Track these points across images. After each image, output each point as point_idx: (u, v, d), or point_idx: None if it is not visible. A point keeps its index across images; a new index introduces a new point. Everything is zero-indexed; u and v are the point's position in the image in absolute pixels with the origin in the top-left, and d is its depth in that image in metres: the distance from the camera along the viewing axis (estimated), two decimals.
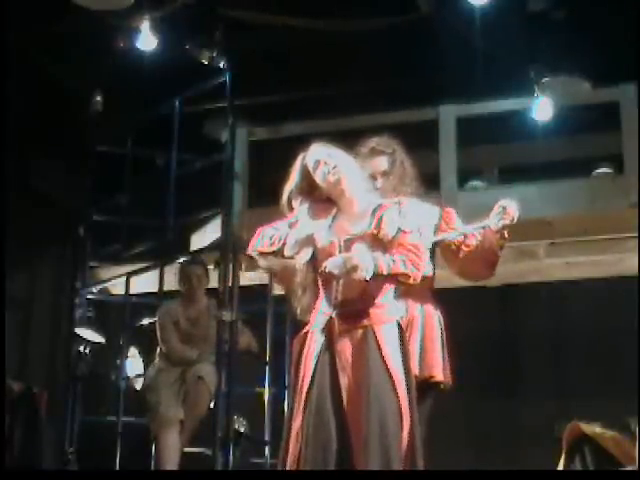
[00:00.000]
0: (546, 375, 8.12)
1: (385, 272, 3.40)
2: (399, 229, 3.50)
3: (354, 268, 3.37)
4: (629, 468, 5.34)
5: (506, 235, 3.95)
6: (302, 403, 3.46)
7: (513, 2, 6.75)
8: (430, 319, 3.96)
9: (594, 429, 5.72)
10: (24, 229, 7.39)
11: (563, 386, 8.00)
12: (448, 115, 7.18)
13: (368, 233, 3.53)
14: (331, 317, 3.52)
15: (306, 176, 3.63)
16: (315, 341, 3.53)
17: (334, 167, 3.58)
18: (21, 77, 7.17)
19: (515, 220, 3.89)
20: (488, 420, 8.09)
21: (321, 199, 3.65)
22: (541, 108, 7.15)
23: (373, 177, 3.90)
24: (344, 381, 3.44)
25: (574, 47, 6.65)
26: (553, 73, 6.89)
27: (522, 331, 8.33)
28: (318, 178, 3.61)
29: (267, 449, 6.92)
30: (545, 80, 6.92)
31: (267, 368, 7.00)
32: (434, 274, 4.04)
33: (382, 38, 7.06)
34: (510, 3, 6.69)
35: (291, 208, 3.65)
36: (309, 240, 3.58)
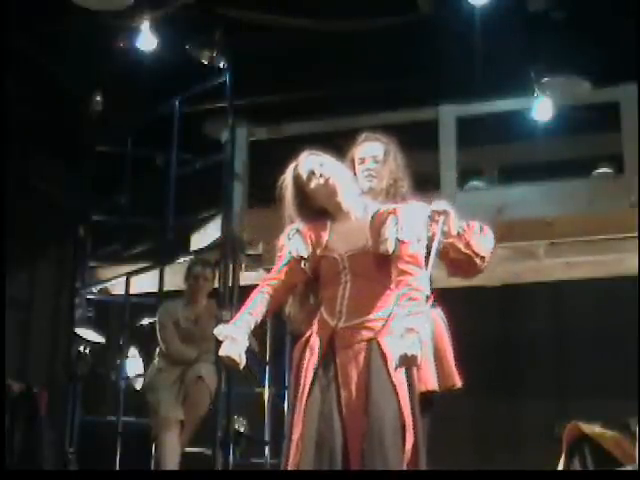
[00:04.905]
0: (546, 375, 8.11)
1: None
2: (397, 240, 3.47)
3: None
4: (629, 468, 5.34)
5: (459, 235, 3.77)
6: (302, 414, 3.43)
7: (513, 2, 6.75)
8: (438, 323, 3.88)
9: (594, 429, 5.72)
10: (24, 229, 7.38)
11: (563, 386, 8.00)
12: (448, 115, 7.18)
13: (369, 249, 3.51)
14: (334, 329, 3.48)
15: (300, 189, 3.62)
16: (316, 352, 3.50)
17: (327, 178, 3.57)
18: (21, 77, 7.16)
19: (449, 215, 3.69)
20: (488, 420, 8.09)
21: (315, 211, 3.64)
22: (541, 108, 7.15)
23: (362, 160, 3.87)
24: (345, 394, 3.40)
25: (574, 47, 6.65)
26: (553, 73, 6.89)
27: (522, 331, 8.33)
28: (312, 190, 3.60)
29: (267, 449, 6.92)
30: (545, 80, 6.92)
31: (267, 368, 7.01)
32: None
33: (382, 38, 7.06)
34: (510, 3, 6.69)
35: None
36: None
